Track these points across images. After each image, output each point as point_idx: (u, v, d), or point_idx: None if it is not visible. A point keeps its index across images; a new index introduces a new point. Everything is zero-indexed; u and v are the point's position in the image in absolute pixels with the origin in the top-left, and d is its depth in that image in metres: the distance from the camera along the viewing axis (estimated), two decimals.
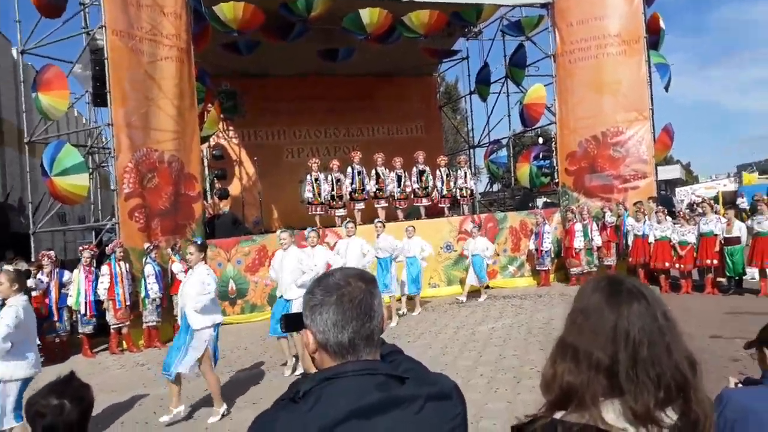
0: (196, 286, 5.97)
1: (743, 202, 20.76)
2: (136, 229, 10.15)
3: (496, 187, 22.40)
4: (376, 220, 11.08)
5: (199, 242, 6.55)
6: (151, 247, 9.90)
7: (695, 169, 63.54)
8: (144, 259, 9.92)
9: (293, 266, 7.48)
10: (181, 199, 11.10)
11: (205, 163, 14.60)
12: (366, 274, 1.51)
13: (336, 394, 1.32)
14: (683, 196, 30.60)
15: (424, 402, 1.36)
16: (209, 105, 13.66)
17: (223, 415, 6.02)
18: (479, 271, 12.06)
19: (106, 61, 9.86)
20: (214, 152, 15.43)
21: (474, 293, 12.17)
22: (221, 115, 16.85)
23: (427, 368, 1.55)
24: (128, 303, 9.70)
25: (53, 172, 9.65)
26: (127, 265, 9.78)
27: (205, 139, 13.99)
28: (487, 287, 13.18)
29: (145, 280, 9.83)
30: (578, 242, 12.74)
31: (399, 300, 11.27)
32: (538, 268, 13.38)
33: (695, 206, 22.83)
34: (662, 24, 15.06)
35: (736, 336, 7.62)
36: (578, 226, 12.81)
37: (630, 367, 1.34)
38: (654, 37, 14.63)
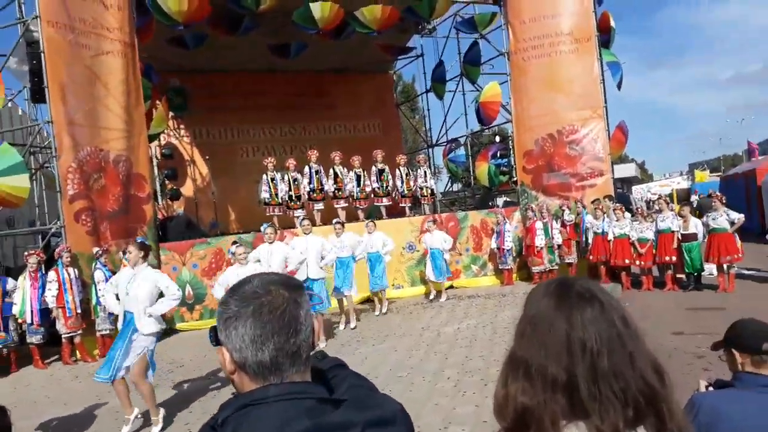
0: (145, 288, 5.60)
1: (703, 198, 21.24)
2: (83, 232, 9.60)
3: (456, 186, 22.36)
4: (335, 221, 10.75)
5: (139, 240, 6.18)
6: (100, 252, 9.38)
7: (649, 168, 65.32)
8: (93, 265, 9.40)
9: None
10: (130, 200, 10.59)
11: (155, 163, 14.04)
12: (291, 280, 1.29)
13: (256, 423, 1.11)
14: (639, 194, 31.29)
15: (362, 429, 1.15)
16: (157, 102, 13.09)
17: (163, 427, 5.68)
18: (440, 265, 11.80)
19: (42, 54, 9.28)
20: (163, 151, 14.85)
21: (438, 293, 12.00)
22: (170, 113, 16.28)
23: (374, 386, 1.35)
24: (79, 311, 9.17)
25: None
26: (76, 270, 9.24)
27: (153, 138, 13.41)
28: (451, 287, 13.08)
29: (95, 287, 9.30)
30: (539, 240, 12.75)
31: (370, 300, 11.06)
32: (500, 267, 13.32)
33: (652, 203, 23.37)
34: (612, 23, 15.23)
35: (698, 332, 7.67)
36: (539, 224, 12.82)
37: (590, 382, 1.16)
38: (605, 36, 14.78)
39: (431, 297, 11.89)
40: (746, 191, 19.50)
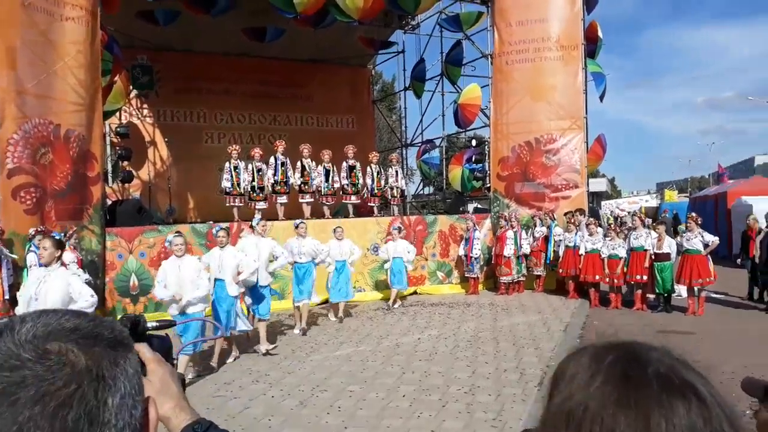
0: (57, 293, 4.86)
1: (665, 218, 21.16)
2: (21, 210, 8.82)
3: (428, 189, 21.86)
4: (298, 221, 9.94)
5: (55, 236, 5.44)
6: (35, 233, 8.59)
7: (618, 184, 65.94)
8: (27, 247, 8.62)
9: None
10: (78, 180, 9.83)
11: (107, 142, 13.24)
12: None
13: None
14: (607, 209, 31.29)
15: None
16: (116, 77, 12.30)
17: None
18: (399, 276, 11.23)
19: None
20: (118, 129, 14.00)
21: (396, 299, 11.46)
22: (134, 91, 15.47)
23: None
24: (6, 297, 8.40)
25: None
26: (7, 252, 8.47)
27: (109, 115, 12.62)
28: (415, 293, 12.63)
29: (27, 271, 8.54)
30: (508, 250, 12.36)
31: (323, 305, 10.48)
32: (466, 275, 12.87)
33: (619, 219, 23.23)
34: (600, 33, 14.93)
35: None
36: (510, 234, 12.42)
37: None
38: (591, 46, 14.47)
39: (389, 305, 11.28)
40: (715, 214, 19.42)
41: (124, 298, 10.41)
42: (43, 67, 9.28)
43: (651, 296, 10.93)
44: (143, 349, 0.99)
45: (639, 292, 10.94)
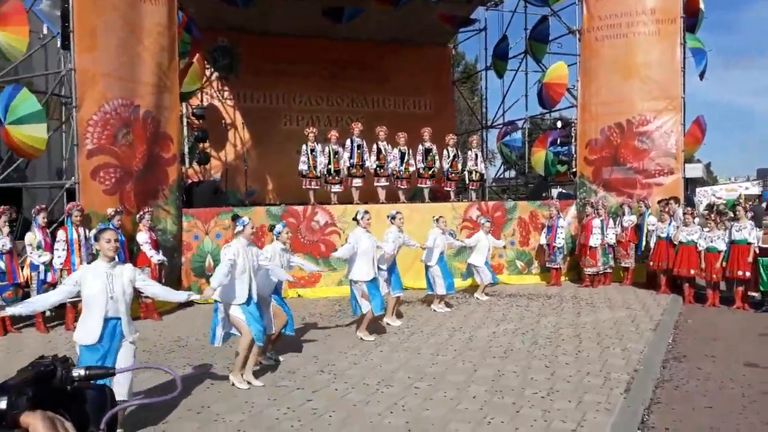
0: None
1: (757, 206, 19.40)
2: (99, 191, 8.99)
3: (510, 173, 21.05)
4: (396, 212, 9.07)
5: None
6: (114, 213, 8.71)
7: (714, 170, 61.84)
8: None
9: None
10: (154, 160, 9.94)
11: (184, 123, 13.40)
12: None
13: None
14: (702, 197, 29.23)
15: None
16: (194, 58, 12.36)
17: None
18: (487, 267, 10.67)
19: None
20: (194, 111, 14.14)
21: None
22: (215, 74, 15.62)
23: None
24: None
25: (7, 121, 8.47)
26: (86, 231, 8.63)
27: (186, 96, 12.73)
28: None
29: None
30: (595, 240, 11.58)
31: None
32: (548, 266, 12.18)
33: (714, 208, 21.61)
34: (702, 5, 13.64)
35: None
36: (596, 222, 11.63)
37: None
38: (691, 19, 13.24)
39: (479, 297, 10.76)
40: None
41: (199, 278, 10.50)
42: (123, 49, 9.38)
43: (755, 294, 9.93)
44: (34, 421, 0.66)
45: (740, 289, 9.97)
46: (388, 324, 8.51)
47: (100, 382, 0.98)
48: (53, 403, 0.83)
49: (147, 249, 8.91)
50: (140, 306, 9.04)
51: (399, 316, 9.00)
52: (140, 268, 9.01)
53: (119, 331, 4.68)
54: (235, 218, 6.27)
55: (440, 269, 9.54)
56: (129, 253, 8.94)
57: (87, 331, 4.60)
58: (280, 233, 6.86)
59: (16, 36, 9.03)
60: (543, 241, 12.09)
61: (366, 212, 8.09)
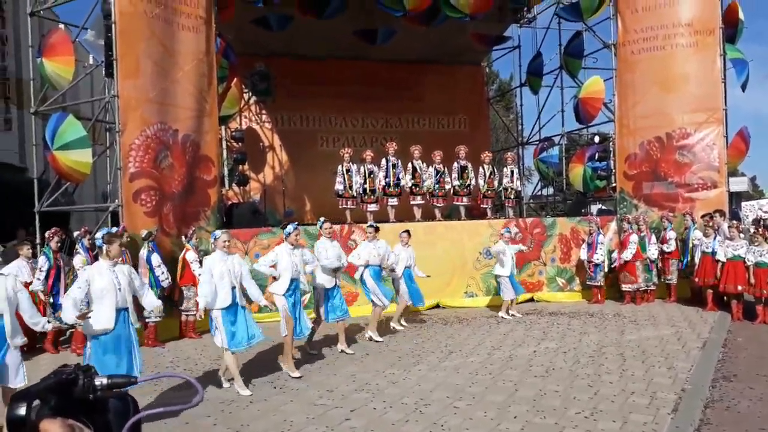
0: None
1: None
2: (141, 213, 9.20)
3: (548, 190, 20.81)
4: (368, 225, 9.73)
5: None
6: (150, 233, 8.88)
7: (760, 184, 59.95)
8: (146, 246, 8.91)
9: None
10: (195, 183, 10.14)
11: (223, 146, 13.66)
12: None
13: None
14: (748, 211, 28.31)
15: None
16: (231, 83, 12.64)
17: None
18: (411, 287, 9.96)
19: (113, 25, 8.90)
20: (233, 134, 14.41)
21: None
22: (253, 98, 15.93)
23: None
24: None
25: (55, 146, 8.79)
26: (128, 253, 8.83)
27: (224, 119, 12.99)
28: (531, 299, 11.93)
29: (152, 270, 8.87)
30: (627, 255, 11.30)
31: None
32: (588, 283, 11.94)
33: (761, 222, 20.91)
34: (741, 15, 13.36)
35: None
36: (634, 238, 11.37)
37: None
38: (730, 30, 12.97)
39: (502, 315, 10.58)
40: None
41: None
42: (162, 75, 9.64)
43: None
44: (53, 428, 0.67)
45: None
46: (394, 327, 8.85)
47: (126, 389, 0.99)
48: (75, 412, 0.84)
49: (196, 267, 9.05)
50: (181, 324, 9.18)
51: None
52: (186, 287, 9.27)
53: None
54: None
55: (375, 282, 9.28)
56: (175, 272, 9.11)
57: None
58: (289, 234, 7.21)
59: (62, 66, 9.40)
60: (583, 257, 11.86)
61: (325, 221, 8.35)
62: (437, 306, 11.57)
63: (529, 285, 12.08)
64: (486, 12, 13.12)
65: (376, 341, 8.77)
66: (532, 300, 12.07)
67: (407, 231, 10.15)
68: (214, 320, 6.36)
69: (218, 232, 6.71)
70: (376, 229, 9.28)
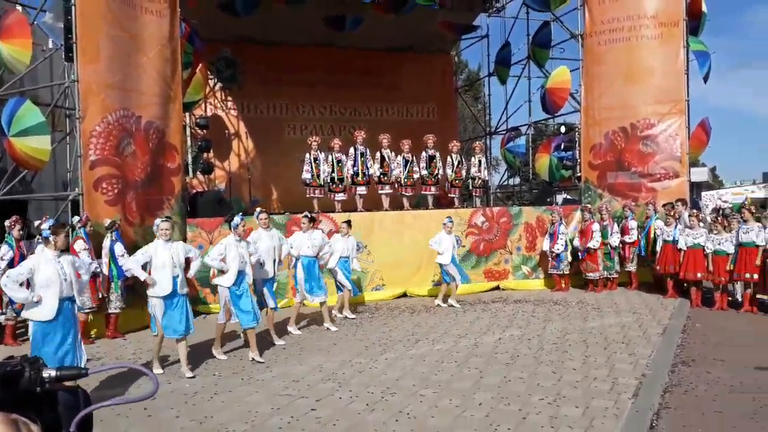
0: None
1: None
2: (102, 201, 8.98)
3: (515, 180, 21.04)
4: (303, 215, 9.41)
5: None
6: (113, 222, 8.67)
7: (720, 174, 61.53)
8: (109, 235, 8.71)
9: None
10: (158, 171, 9.94)
11: (188, 133, 13.42)
12: None
13: None
14: (708, 200, 29.05)
15: None
16: (197, 69, 12.40)
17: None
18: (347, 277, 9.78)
19: (73, 7, 8.63)
20: (198, 121, 14.17)
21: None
22: (218, 84, 15.67)
23: None
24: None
25: (11, 132, 8.51)
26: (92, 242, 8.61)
27: (189, 106, 12.74)
28: (497, 288, 12.04)
29: (115, 260, 8.65)
30: (594, 243, 11.51)
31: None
32: (551, 272, 12.10)
33: (720, 211, 21.43)
34: (704, 7, 13.60)
35: None
36: (596, 226, 11.57)
37: None
38: (694, 22, 13.20)
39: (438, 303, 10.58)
40: None
41: (204, 287, 10.47)
42: (126, 60, 9.41)
43: (764, 297, 9.83)
44: None
45: (748, 292, 9.87)
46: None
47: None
48: (21, 406, 0.80)
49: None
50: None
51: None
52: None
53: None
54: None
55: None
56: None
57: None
58: (236, 226, 7.19)
59: (19, 48, 9.09)
60: (545, 247, 12.02)
61: (262, 211, 8.38)
62: (404, 295, 11.61)
63: (495, 273, 12.21)
64: (454, 0, 13.10)
65: (295, 333, 8.66)
66: (498, 288, 12.19)
67: (348, 221, 10.04)
68: (152, 306, 6.58)
69: (158, 221, 6.81)
70: (311, 220, 9.09)
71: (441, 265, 10.55)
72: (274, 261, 8.12)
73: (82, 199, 8.77)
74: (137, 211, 9.56)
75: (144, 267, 6.60)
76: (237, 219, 7.25)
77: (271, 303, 8.03)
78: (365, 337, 8.38)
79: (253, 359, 7.12)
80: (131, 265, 6.77)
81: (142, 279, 6.57)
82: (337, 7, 14.30)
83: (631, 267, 11.93)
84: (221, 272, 7.25)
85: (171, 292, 6.47)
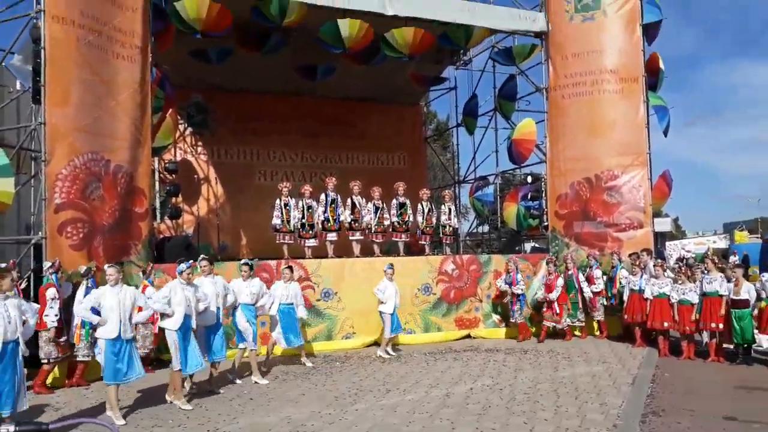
0: None
1: (736, 260, 19.79)
2: (66, 246, 8.75)
3: (485, 228, 21.29)
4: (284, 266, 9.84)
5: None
6: (89, 269, 8.44)
7: (682, 225, 63.28)
8: (85, 283, 8.43)
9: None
10: (126, 215, 9.77)
11: (156, 178, 13.30)
12: None
13: None
14: (672, 250, 29.74)
15: None
16: (167, 114, 12.39)
17: None
18: (292, 328, 9.48)
19: (42, 50, 8.59)
20: (167, 166, 14.08)
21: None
22: (189, 129, 15.65)
23: None
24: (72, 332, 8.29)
25: None
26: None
27: (158, 151, 12.68)
28: (468, 336, 11.99)
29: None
30: (554, 295, 11.62)
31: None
32: (512, 320, 12.06)
33: (684, 261, 21.93)
34: (662, 64, 14.21)
35: (754, 419, 6.45)
36: (560, 281, 11.70)
37: None
38: (652, 79, 13.77)
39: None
40: None
41: None
42: (95, 104, 9.34)
43: (729, 346, 9.98)
44: None
45: (714, 341, 10.01)
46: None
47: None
48: None
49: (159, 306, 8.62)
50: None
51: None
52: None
53: None
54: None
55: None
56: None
57: None
58: (182, 272, 7.34)
59: None
60: (502, 287, 11.99)
61: (203, 258, 8.45)
62: (376, 343, 11.47)
63: (466, 321, 12.19)
64: (424, 53, 13.44)
65: (262, 383, 8.46)
66: (468, 336, 12.14)
67: (290, 267, 9.84)
68: (98, 347, 6.79)
69: (107, 266, 6.94)
70: (251, 267, 9.00)
71: (381, 313, 10.38)
72: (218, 308, 8.03)
73: (45, 243, 8.55)
74: (104, 256, 9.33)
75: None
76: (183, 266, 7.36)
77: (216, 355, 7.97)
78: (335, 387, 8.21)
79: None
80: (78, 310, 7.03)
81: (94, 323, 6.80)
82: (309, 56, 14.52)
83: (599, 316, 12.03)
84: (165, 315, 7.16)
85: (116, 337, 6.57)
